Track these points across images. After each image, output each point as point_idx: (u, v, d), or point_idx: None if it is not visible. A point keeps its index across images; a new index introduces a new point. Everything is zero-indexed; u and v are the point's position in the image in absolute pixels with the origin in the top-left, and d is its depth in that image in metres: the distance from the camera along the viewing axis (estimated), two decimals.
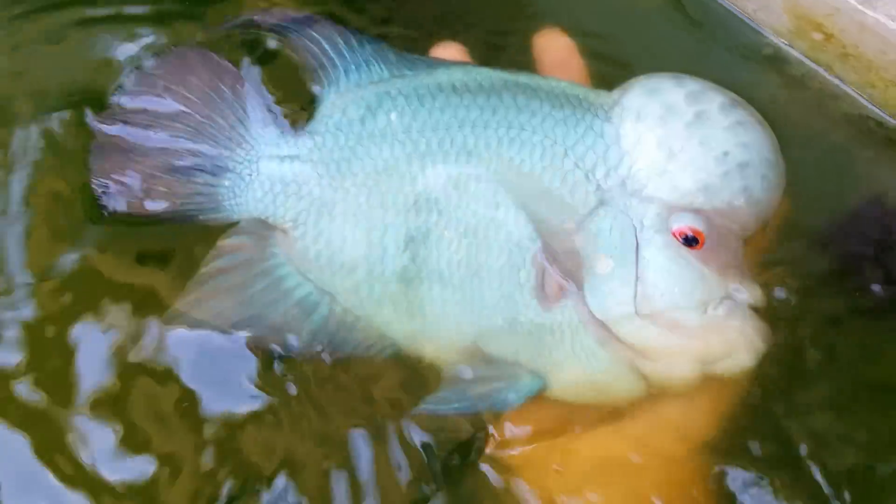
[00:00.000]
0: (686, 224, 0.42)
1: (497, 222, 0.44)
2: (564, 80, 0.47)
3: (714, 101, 0.43)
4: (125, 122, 0.47)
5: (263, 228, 0.46)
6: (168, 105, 0.47)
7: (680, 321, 0.42)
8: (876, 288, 0.49)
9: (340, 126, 0.46)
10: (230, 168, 0.46)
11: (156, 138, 0.46)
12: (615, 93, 0.46)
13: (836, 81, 0.54)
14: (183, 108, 0.47)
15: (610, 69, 0.52)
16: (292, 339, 0.44)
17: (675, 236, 0.42)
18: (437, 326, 0.44)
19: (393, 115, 0.46)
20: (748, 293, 0.43)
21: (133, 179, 0.46)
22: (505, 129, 0.45)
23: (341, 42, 0.47)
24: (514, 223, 0.44)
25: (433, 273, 0.44)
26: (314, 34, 0.48)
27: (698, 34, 0.57)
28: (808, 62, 0.55)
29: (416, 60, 0.48)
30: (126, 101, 0.47)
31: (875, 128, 0.53)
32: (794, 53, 0.55)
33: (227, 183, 0.46)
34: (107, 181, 0.46)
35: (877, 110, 0.53)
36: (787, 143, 0.45)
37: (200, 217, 0.46)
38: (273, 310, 0.45)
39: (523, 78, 0.47)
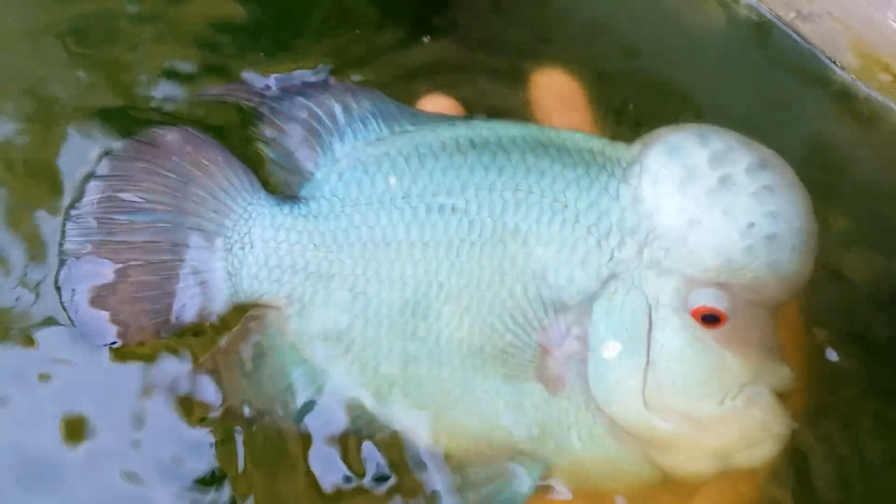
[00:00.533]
0: (707, 302, 0.38)
1: (501, 298, 0.41)
2: (575, 129, 0.44)
3: (740, 162, 0.39)
4: (99, 221, 0.43)
5: (258, 307, 0.43)
6: (147, 188, 0.43)
7: (694, 414, 0.38)
8: None
9: (336, 191, 0.43)
10: (221, 247, 0.43)
11: (135, 234, 0.43)
12: (635, 147, 0.42)
13: None
14: (163, 192, 0.43)
15: (665, 97, 0.49)
16: (281, 415, 0.42)
17: (693, 316, 0.38)
18: (437, 409, 0.41)
19: (392, 179, 0.43)
20: (774, 376, 0.39)
21: (117, 308, 0.42)
22: (511, 192, 0.41)
23: (335, 102, 0.44)
24: (519, 300, 0.40)
25: (433, 353, 0.41)
26: (303, 98, 0.45)
27: (763, 59, 0.53)
28: (878, 98, 0.50)
29: (418, 114, 0.45)
30: (98, 191, 0.44)
31: None
32: (864, 89, 0.51)
33: (219, 265, 0.43)
34: (86, 318, 0.42)
35: None
36: (852, 184, 0.41)
37: (203, 314, 0.43)
38: (265, 387, 0.42)
39: (534, 131, 0.44)
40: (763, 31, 0.53)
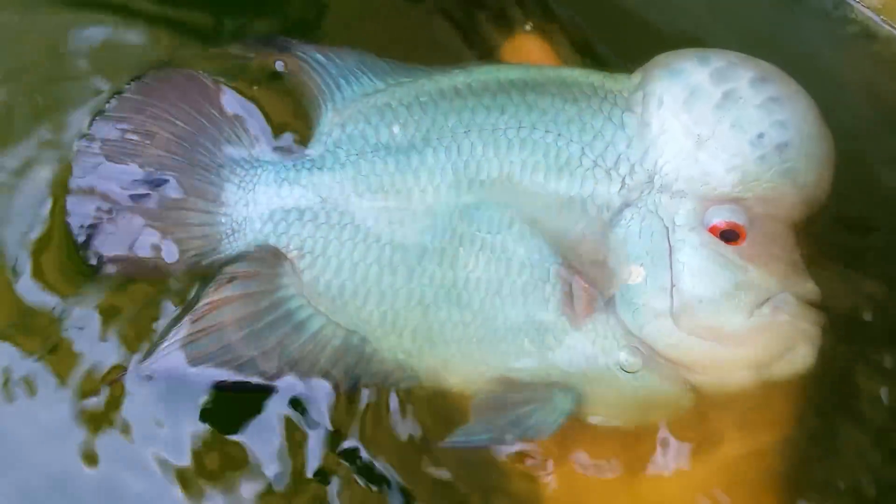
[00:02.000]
0: (723, 218, 0.38)
1: (514, 236, 0.40)
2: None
3: (743, 76, 0.39)
4: (106, 157, 0.43)
5: (273, 255, 0.42)
6: (152, 132, 0.43)
7: (725, 328, 0.38)
8: None
9: (340, 143, 0.43)
10: (225, 202, 0.42)
11: (140, 175, 0.43)
12: (635, 76, 0.42)
13: None
14: (169, 136, 0.43)
15: (678, 38, 0.47)
16: (308, 374, 0.41)
17: (711, 233, 0.38)
18: (461, 353, 0.41)
19: (395, 128, 0.43)
20: (798, 286, 0.39)
21: (119, 237, 0.42)
22: (515, 131, 0.41)
23: (329, 59, 0.44)
24: (533, 236, 0.40)
25: (451, 296, 0.40)
26: (303, 56, 0.45)
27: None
28: None
29: (411, 69, 0.45)
30: (106, 131, 0.43)
31: None
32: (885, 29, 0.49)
33: (223, 219, 0.42)
34: (91, 247, 0.42)
35: None
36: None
37: (203, 263, 0.42)
38: (285, 344, 0.41)
39: (532, 71, 0.44)
40: None
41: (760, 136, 0.38)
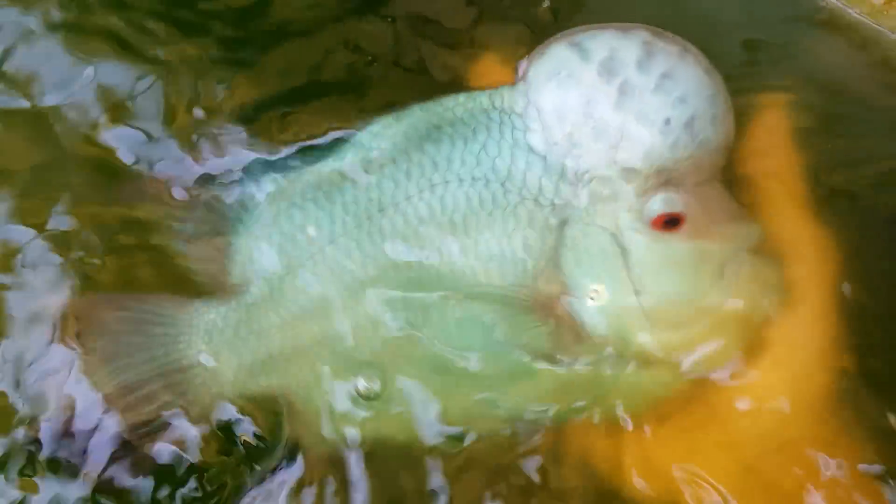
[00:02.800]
0: (661, 210, 0.38)
1: (479, 293, 0.40)
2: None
3: (628, 63, 0.38)
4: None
5: None
6: (101, 359, 0.42)
7: (699, 308, 0.38)
8: None
9: (266, 267, 0.41)
10: (193, 366, 0.41)
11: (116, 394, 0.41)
12: (518, 88, 0.40)
13: None
14: (113, 354, 0.42)
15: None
16: None
17: (654, 227, 0.38)
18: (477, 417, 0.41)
19: (311, 230, 0.41)
20: (747, 239, 0.40)
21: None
22: (429, 192, 0.40)
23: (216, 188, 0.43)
24: (495, 285, 0.39)
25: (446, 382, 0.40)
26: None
27: None
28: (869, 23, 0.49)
29: (304, 154, 0.43)
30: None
31: None
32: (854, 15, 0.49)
33: (198, 381, 0.41)
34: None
35: None
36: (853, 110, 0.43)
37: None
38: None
39: (417, 117, 0.42)
40: None
41: (667, 121, 0.37)
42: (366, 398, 0.41)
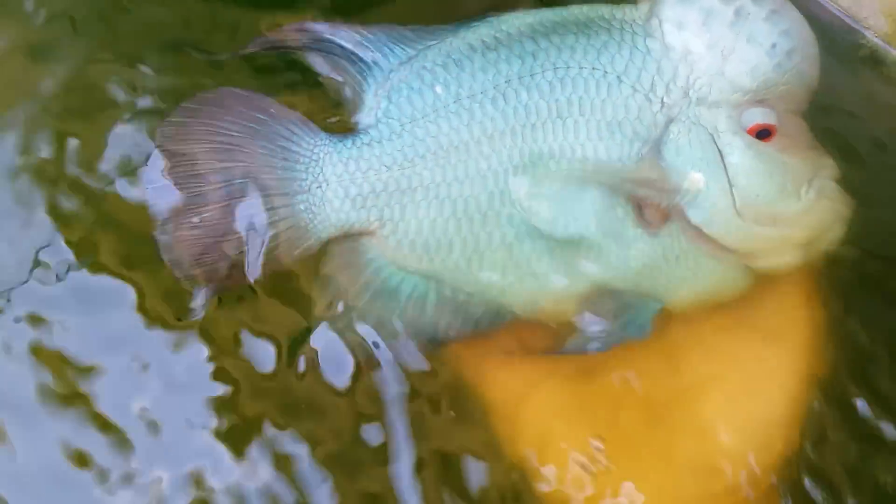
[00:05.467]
0: (757, 120, 0.44)
1: (578, 166, 0.44)
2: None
3: None
4: (177, 181, 0.44)
5: (350, 240, 0.45)
6: (213, 148, 0.44)
7: (781, 214, 0.43)
8: None
9: (390, 113, 0.45)
10: (299, 190, 0.44)
11: (214, 190, 0.44)
12: (642, 6, 0.46)
13: None
14: (229, 147, 0.44)
15: None
16: (416, 336, 0.44)
17: (750, 134, 0.43)
18: (551, 278, 0.45)
19: (438, 88, 0.45)
20: (826, 167, 0.45)
21: (215, 258, 0.44)
22: (552, 72, 0.45)
23: (356, 39, 0.46)
24: (593, 163, 0.44)
25: (531, 230, 0.44)
26: (327, 41, 0.46)
27: None
28: None
29: (434, 30, 0.47)
30: (170, 155, 0.44)
31: None
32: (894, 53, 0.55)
33: (301, 206, 0.44)
34: (192, 274, 0.44)
35: None
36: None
37: (295, 253, 0.45)
38: (389, 313, 0.44)
39: (544, 14, 0.47)
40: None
41: (773, 46, 0.43)
42: None
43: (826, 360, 0.46)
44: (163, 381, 0.45)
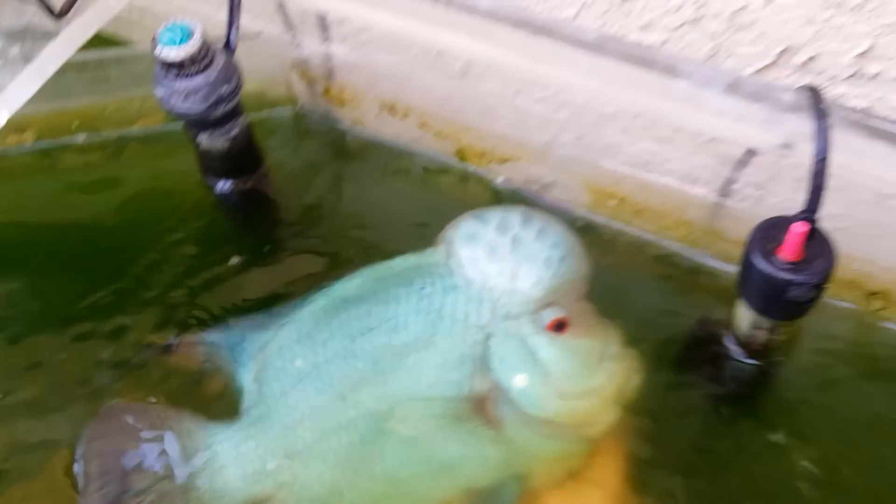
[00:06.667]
0: (552, 317, 0.53)
1: (431, 396, 0.53)
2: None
3: (514, 222, 0.54)
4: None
5: None
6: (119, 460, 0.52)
7: (591, 385, 0.53)
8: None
9: (264, 392, 0.54)
10: (202, 484, 0.52)
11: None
12: (440, 249, 0.56)
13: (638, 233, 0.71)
14: (132, 454, 0.52)
15: None
16: None
17: (549, 331, 0.53)
18: (433, 496, 0.53)
19: (298, 362, 0.54)
20: (611, 336, 0.55)
21: None
22: (386, 323, 0.54)
23: (222, 337, 0.57)
24: (445, 388, 0.52)
25: (408, 459, 0.52)
26: (204, 343, 0.57)
27: None
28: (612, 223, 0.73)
29: (282, 309, 0.58)
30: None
31: (680, 262, 0.70)
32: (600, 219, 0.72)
33: (207, 496, 0.52)
34: None
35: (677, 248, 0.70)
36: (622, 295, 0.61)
37: None
38: None
39: (369, 273, 0.57)
40: (515, 200, 0.75)
41: (548, 259, 0.53)
42: None
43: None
44: None
